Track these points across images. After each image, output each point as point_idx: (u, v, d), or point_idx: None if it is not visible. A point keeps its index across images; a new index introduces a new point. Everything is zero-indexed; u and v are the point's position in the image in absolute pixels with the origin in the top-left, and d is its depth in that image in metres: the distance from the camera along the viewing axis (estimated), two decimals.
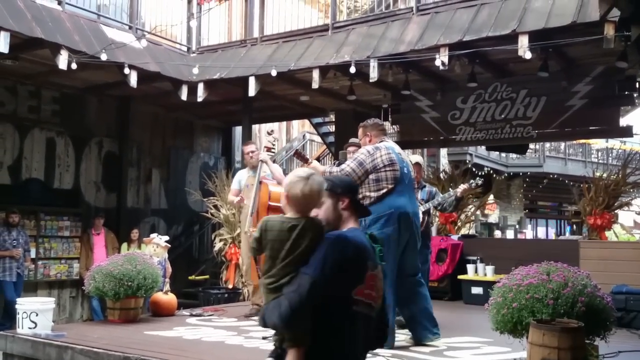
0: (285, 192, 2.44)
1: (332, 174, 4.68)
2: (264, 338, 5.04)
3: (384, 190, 4.69)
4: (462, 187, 6.65)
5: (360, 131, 5.06)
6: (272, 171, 6.13)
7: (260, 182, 5.97)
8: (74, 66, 7.33)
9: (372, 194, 4.68)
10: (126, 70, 7.87)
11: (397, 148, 4.95)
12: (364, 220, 4.59)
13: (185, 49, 9.90)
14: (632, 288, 6.28)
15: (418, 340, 4.95)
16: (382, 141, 4.89)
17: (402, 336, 5.34)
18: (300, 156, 5.41)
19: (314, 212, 2.44)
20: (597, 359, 3.71)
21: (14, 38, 6.83)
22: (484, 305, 4.33)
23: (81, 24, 7.91)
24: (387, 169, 4.71)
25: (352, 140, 5.94)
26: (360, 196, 4.65)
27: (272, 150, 6.12)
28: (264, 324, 2.30)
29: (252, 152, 6.41)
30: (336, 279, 2.20)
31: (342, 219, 2.45)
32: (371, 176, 4.68)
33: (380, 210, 4.65)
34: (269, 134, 6.18)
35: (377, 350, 4.58)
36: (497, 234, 19.14)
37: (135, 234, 9.52)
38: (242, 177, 6.53)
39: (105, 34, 8.12)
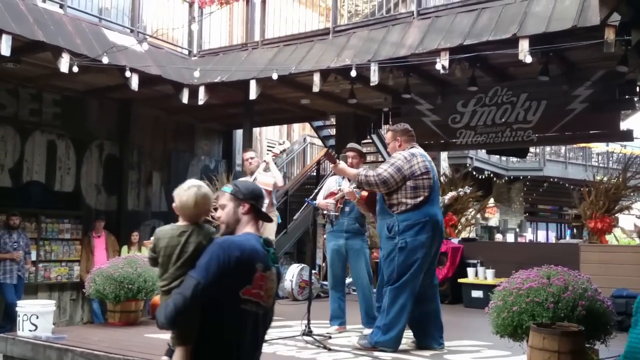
0: (175, 201, 2.66)
1: (367, 177, 4.64)
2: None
3: (421, 198, 4.69)
4: (450, 194, 6.73)
5: (389, 134, 5.04)
6: (274, 174, 6.16)
7: None
8: (75, 69, 7.35)
9: (409, 201, 4.67)
10: (127, 74, 7.89)
11: (427, 155, 4.97)
12: (397, 225, 4.61)
13: (186, 52, 9.91)
14: (633, 292, 6.27)
15: (422, 346, 4.95)
16: (412, 147, 4.89)
17: (403, 339, 5.34)
18: (329, 157, 5.29)
19: (218, 214, 2.62)
20: None
21: (16, 41, 6.85)
22: (484, 308, 4.34)
23: (83, 27, 7.93)
24: (424, 177, 4.73)
25: (351, 145, 5.94)
26: (395, 202, 4.67)
27: (279, 156, 6.16)
28: (157, 324, 2.41)
29: (252, 158, 6.42)
30: (221, 280, 2.32)
31: (241, 223, 2.55)
32: (408, 183, 4.67)
33: (416, 218, 4.66)
34: (280, 144, 6.27)
35: (378, 354, 4.59)
36: (498, 237, 19.13)
37: (135, 236, 9.52)
38: None
39: (107, 37, 8.14)
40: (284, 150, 6.41)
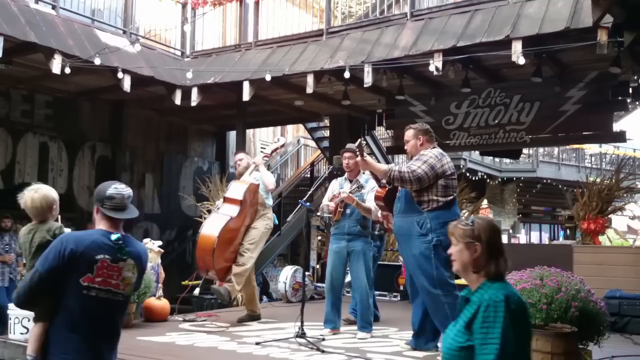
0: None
1: (402, 174, 4.60)
2: (257, 343, 5.03)
3: (451, 197, 4.73)
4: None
5: (410, 132, 4.96)
6: (263, 176, 6.13)
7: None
8: (67, 70, 7.31)
9: (441, 199, 4.68)
10: (120, 75, 7.86)
11: None
12: (429, 223, 4.61)
13: (179, 53, 9.89)
14: (626, 293, 6.29)
15: (417, 347, 4.94)
16: (434, 147, 4.89)
17: (395, 341, 5.34)
18: (361, 150, 4.93)
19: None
20: None
21: (8, 42, 6.81)
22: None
23: (75, 29, 7.89)
24: (453, 177, 4.78)
25: (349, 145, 5.88)
26: (426, 199, 4.66)
27: (272, 157, 6.12)
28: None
29: (240, 160, 6.41)
30: (60, 269, 2.66)
31: (96, 222, 2.89)
32: (440, 181, 4.68)
33: (447, 217, 4.62)
34: (275, 142, 6.24)
35: (370, 355, 4.59)
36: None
37: None
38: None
39: (99, 38, 8.10)
40: (280, 147, 6.37)
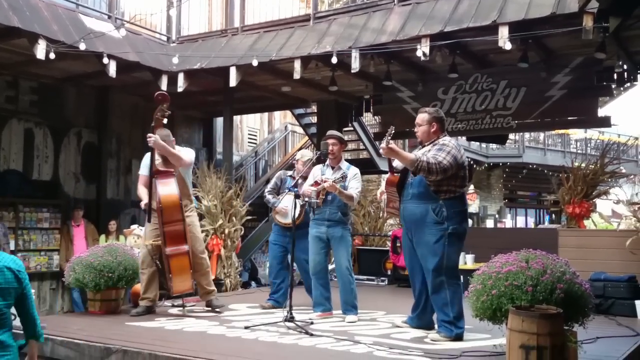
0: None
1: (430, 165, 4.53)
2: (246, 328, 5.06)
3: (465, 187, 4.81)
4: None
5: (425, 116, 4.89)
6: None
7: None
8: (52, 56, 7.23)
9: (458, 189, 4.72)
10: (105, 60, 7.79)
11: None
12: (444, 211, 4.63)
13: (165, 38, 9.81)
14: (610, 275, 6.38)
15: (416, 325, 5.05)
16: (445, 136, 4.88)
17: (383, 324, 5.39)
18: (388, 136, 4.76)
19: None
20: (575, 345, 3.76)
21: None
22: (464, 292, 4.38)
23: (59, 13, 7.80)
24: (467, 167, 4.80)
25: (331, 132, 5.89)
26: (444, 188, 4.67)
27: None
28: None
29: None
30: None
31: None
32: (460, 172, 4.70)
33: (461, 206, 4.75)
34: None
35: (358, 338, 4.63)
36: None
37: (112, 225, 9.44)
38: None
39: (84, 23, 8.02)
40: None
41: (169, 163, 5.74)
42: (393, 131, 4.72)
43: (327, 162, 5.83)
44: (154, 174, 5.62)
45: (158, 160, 5.72)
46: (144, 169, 5.88)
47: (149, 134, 5.62)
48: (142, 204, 5.75)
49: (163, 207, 5.46)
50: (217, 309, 5.98)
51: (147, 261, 5.72)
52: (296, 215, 5.56)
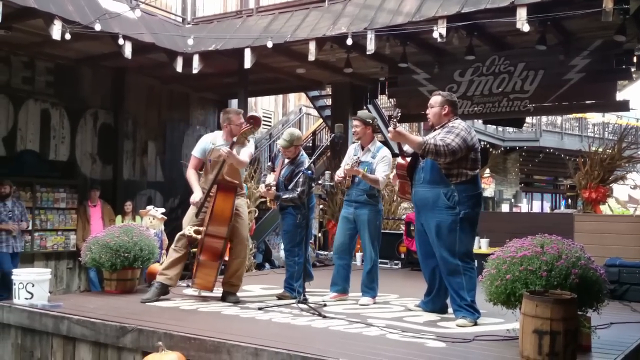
0: None
1: (438, 147, 4.49)
2: (259, 309, 5.09)
3: (477, 170, 4.71)
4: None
5: (439, 99, 4.84)
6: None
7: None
8: (67, 37, 7.25)
9: (470, 172, 4.65)
10: (120, 41, 7.79)
11: None
12: (455, 196, 4.61)
13: (180, 19, 9.79)
14: (626, 261, 6.33)
15: (429, 309, 5.07)
16: (456, 119, 4.82)
17: (396, 307, 5.40)
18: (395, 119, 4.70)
19: None
20: (589, 330, 3.75)
21: (6, 7, 6.74)
22: (478, 277, 4.37)
23: None
24: (478, 150, 4.74)
25: (361, 113, 5.77)
26: (455, 172, 4.62)
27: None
28: None
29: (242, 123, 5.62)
30: None
31: None
32: (471, 154, 4.65)
33: (474, 190, 4.70)
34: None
35: (371, 320, 4.65)
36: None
37: (128, 206, 9.51)
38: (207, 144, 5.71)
39: (99, 4, 8.01)
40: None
41: (235, 174, 5.55)
42: (399, 114, 4.68)
43: (359, 142, 5.77)
44: (219, 181, 5.38)
45: (225, 169, 5.45)
46: (198, 151, 5.67)
47: (225, 149, 5.29)
48: (193, 200, 5.46)
49: (212, 218, 5.31)
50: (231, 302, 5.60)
51: (182, 243, 5.54)
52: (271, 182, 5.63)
